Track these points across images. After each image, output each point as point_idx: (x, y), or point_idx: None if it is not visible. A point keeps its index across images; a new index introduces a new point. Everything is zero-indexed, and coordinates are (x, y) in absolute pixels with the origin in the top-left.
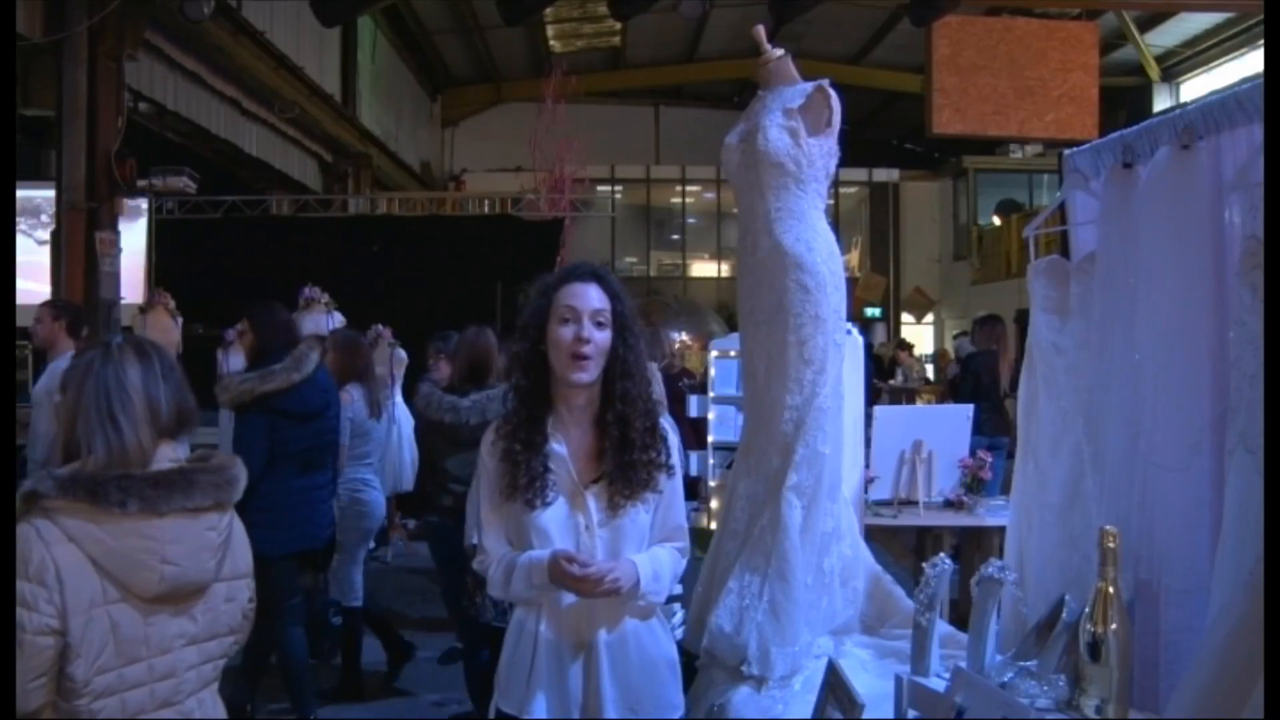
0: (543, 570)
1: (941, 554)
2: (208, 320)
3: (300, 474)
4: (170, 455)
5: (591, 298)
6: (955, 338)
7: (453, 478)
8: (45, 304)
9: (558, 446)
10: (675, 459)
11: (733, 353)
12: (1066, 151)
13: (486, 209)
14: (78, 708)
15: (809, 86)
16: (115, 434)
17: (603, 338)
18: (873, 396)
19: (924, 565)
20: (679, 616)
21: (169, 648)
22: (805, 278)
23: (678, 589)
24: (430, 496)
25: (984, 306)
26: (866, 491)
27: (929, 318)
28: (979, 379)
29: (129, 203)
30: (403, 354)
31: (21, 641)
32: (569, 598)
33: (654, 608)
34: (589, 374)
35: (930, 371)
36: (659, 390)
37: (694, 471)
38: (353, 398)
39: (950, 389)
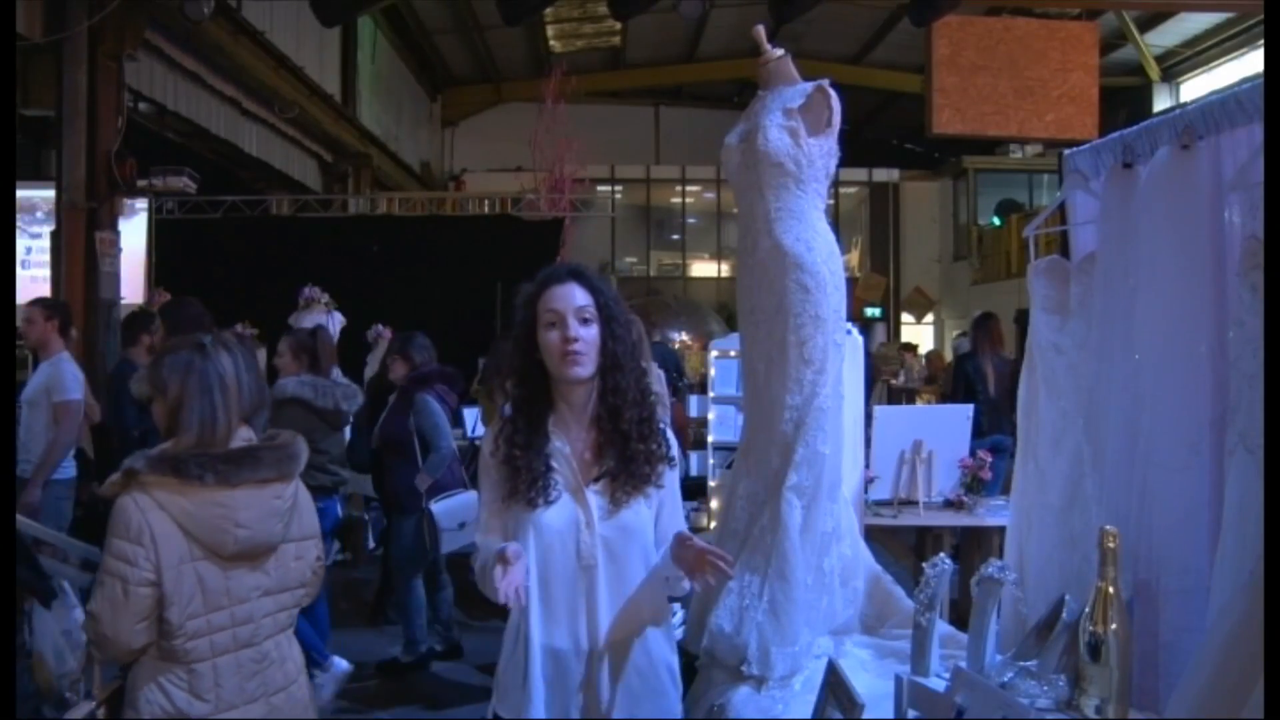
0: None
1: (941, 554)
2: None
3: None
4: (245, 435)
5: (573, 296)
6: (955, 338)
7: (332, 458)
8: (35, 304)
9: (560, 444)
10: (675, 452)
11: (733, 353)
12: (1066, 151)
13: (486, 209)
14: (174, 646)
15: (809, 86)
16: (211, 419)
17: (590, 333)
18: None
19: (924, 565)
20: (679, 616)
21: (246, 598)
22: (805, 278)
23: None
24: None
25: (984, 306)
26: (866, 491)
27: (929, 318)
28: (969, 381)
29: (129, 202)
30: None
31: (127, 592)
32: (567, 600)
33: (660, 615)
34: (584, 368)
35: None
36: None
37: (694, 471)
38: None
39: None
